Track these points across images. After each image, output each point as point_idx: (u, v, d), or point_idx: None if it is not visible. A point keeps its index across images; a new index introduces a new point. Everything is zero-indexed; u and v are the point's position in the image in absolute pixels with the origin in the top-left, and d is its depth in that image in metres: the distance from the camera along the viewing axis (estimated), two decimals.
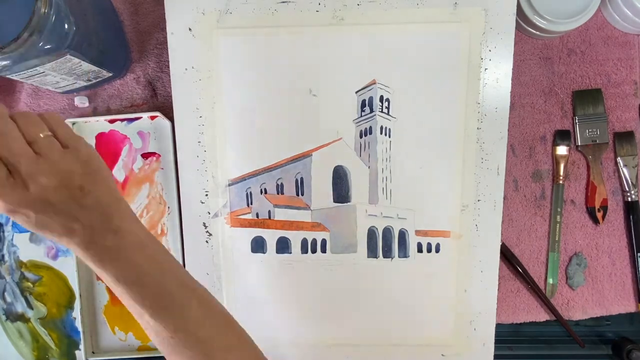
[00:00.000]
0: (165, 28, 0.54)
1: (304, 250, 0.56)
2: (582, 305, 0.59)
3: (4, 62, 0.43)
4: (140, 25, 0.59)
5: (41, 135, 0.36)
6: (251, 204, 0.56)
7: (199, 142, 0.55)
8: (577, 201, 0.59)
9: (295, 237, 0.56)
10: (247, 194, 0.56)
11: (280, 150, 0.55)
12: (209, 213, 0.56)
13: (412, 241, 0.55)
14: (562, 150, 0.58)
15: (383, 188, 0.55)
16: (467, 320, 0.56)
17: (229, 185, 0.56)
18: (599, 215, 0.58)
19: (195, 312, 0.39)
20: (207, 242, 0.56)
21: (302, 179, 0.55)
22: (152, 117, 0.57)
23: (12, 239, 0.59)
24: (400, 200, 0.55)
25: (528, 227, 0.59)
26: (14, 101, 0.60)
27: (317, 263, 0.56)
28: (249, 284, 0.57)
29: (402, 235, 0.56)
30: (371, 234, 0.56)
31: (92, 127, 0.58)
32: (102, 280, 0.59)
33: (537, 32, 0.56)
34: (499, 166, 0.54)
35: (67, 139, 0.37)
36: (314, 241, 0.56)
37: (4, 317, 0.60)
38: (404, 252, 0.56)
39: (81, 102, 0.59)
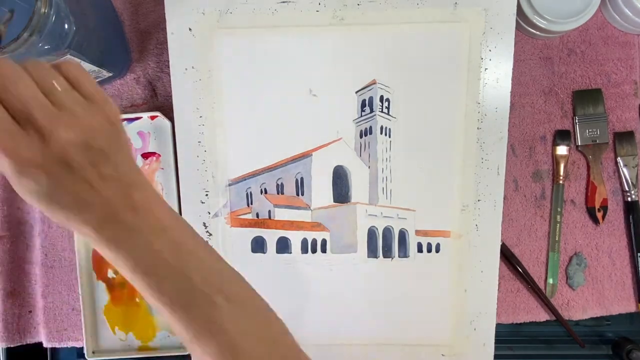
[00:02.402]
0: (165, 28, 0.54)
1: (304, 250, 0.56)
2: (582, 305, 0.59)
3: None
4: (140, 25, 0.59)
5: (58, 88, 0.30)
6: (251, 204, 0.56)
7: (199, 142, 0.55)
8: (577, 201, 0.59)
9: (295, 237, 0.56)
10: (247, 194, 0.56)
11: (280, 150, 0.55)
12: (209, 213, 0.56)
13: (412, 241, 0.55)
14: (562, 150, 0.58)
15: (383, 188, 0.55)
16: (467, 320, 0.56)
17: (229, 185, 0.56)
18: (599, 215, 0.58)
19: (221, 314, 0.32)
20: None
21: (302, 179, 0.55)
22: (152, 117, 0.57)
23: None
24: (400, 200, 0.55)
25: (528, 227, 0.59)
26: None
27: (317, 263, 0.56)
28: None
29: (402, 235, 0.56)
30: (371, 233, 0.56)
31: None
32: (102, 280, 0.59)
33: (537, 32, 0.56)
34: (499, 166, 0.54)
35: (92, 93, 0.32)
36: (314, 241, 0.56)
37: None
38: (404, 252, 0.56)
39: None
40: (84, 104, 0.31)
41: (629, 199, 0.58)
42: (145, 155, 0.58)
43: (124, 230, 0.31)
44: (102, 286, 0.59)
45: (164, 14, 0.53)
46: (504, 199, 0.56)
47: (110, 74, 0.56)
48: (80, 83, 0.32)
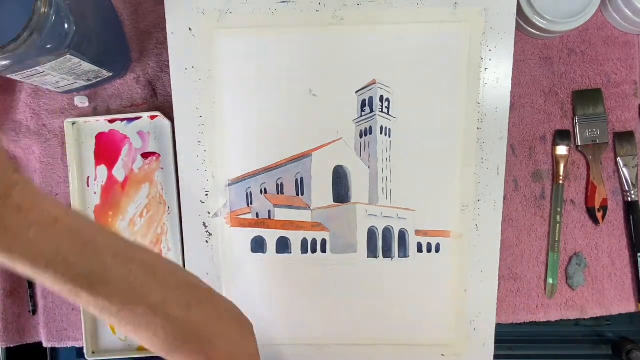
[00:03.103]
0: (165, 28, 0.54)
1: (304, 250, 0.56)
2: (582, 305, 0.59)
3: (4, 62, 0.43)
4: (140, 25, 0.59)
5: None
6: (251, 203, 0.56)
7: (199, 142, 0.55)
8: (577, 201, 0.59)
9: (295, 237, 0.56)
10: (247, 193, 0.56)
11: (280, 150, 0.55)
12: (209, 213, 0.56)
13: (412, 241, 0.55)
14: (562, 150, 0.58)
15: (383, 188, 0.55)
16: (467, 320, 0.56)
17: (229, 185, 0.56)
18: (599, 215, 0.58)
19: (140, 279, 0.34)
20: (207, 242, 0.56)
21: (302, 179, 0.55)
22: (152, 117, 0.57)
23: None
24: (400, 200, 0.55)
25: (528, 227, 0.59)
26: (14, 101, 0.60)
27: (317, 263, 0.56)
28: (249, 284, 0.57)
29: (402, 235, 0.56)
30: (371, 234, 0.56)
31: (92, 127, 0.58)
32: None
33: (537, 32, 0.56)
34: (499, 166, 0.54)
35: None
36: (314, 241, 0.56)
37: None
38: (404, 252, 0.56)
39: (81, 102, 0.59)
40: None
41: (629, 199, 0.58)
42: (145, 155, 0.58)
43: (13, 232, 0.30)
44: None
45: (164, 14, 0.53)
46: (504, 199, 0.56)
47: (110, 74, 0.56)
48: None
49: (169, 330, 0.35)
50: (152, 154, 0.58)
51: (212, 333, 0.37)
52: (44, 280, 0.32)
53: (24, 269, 0.31)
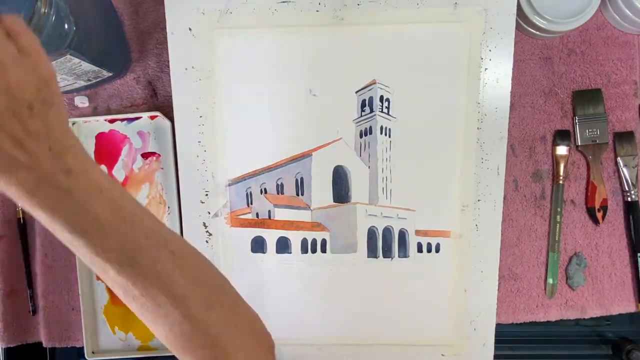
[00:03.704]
0: (165, 28, 0.54)
1: (304, 250, 0.56)
2: (582, 305, 0.59)
3: None
4: (140, 25, 0.59)
5: None
6: (251, 203, 0.56)
7: (199, 142, 0.55)
8: (577, 201, 0.59)
9: (295, 237, 0.56)
10: (247, 193, 0.56)
11: (280, 150, 0.55)
12: (209, 213, 0.56)
13: (412, 241, 0.55)
14: (562, 150, 0.57)
15: (383, 188, 0.55)
16: (467, 320, 0.56)
17: (229, 185, 0.56)
18: (599, 215, 0.58)
19: (169, 266, 0.33)
20: (207, 242, 0.56)
21: (302, 179, 0.55)
22: (152, 117, 0.57)
23: None
24: (400, 200, 0.55)
25: (528, 227, 0.59)
26: None
27: (317, 263, 0.56)
28: (249, 284, 0.57)
29: (402, 235, 0.56)
30: (371, 233, 0.56)
31: (92, 127, 0.58)
32: (102, 280, 0.59)
33: (537, 32, 0.56)
34: (499, 166, 0.54)
35: (28, 47, 0.29)
36: (314, 241, 0.56)
37: None
38: (404, 252, 0.56)
39: (81, 102, 0.59)
40: (15, 55, 0.29)
41: (629, 199, 0.58)
42: (145, 155, 0.58)
43: (59, 193, 0.30)
44: (102, 286, 0.59)
45: (164, 14, 0.53)
46: (504, 199, 0.56)
47: (110, 74, 0.56)
48: (17, 35, 0.29)
49: (186, 328, 0.34)
50: (152, 154, 0.58)
51: (229, 342, 0.36)
52: (76, 249, 0.32)
53: (61, 233, 0.31)
